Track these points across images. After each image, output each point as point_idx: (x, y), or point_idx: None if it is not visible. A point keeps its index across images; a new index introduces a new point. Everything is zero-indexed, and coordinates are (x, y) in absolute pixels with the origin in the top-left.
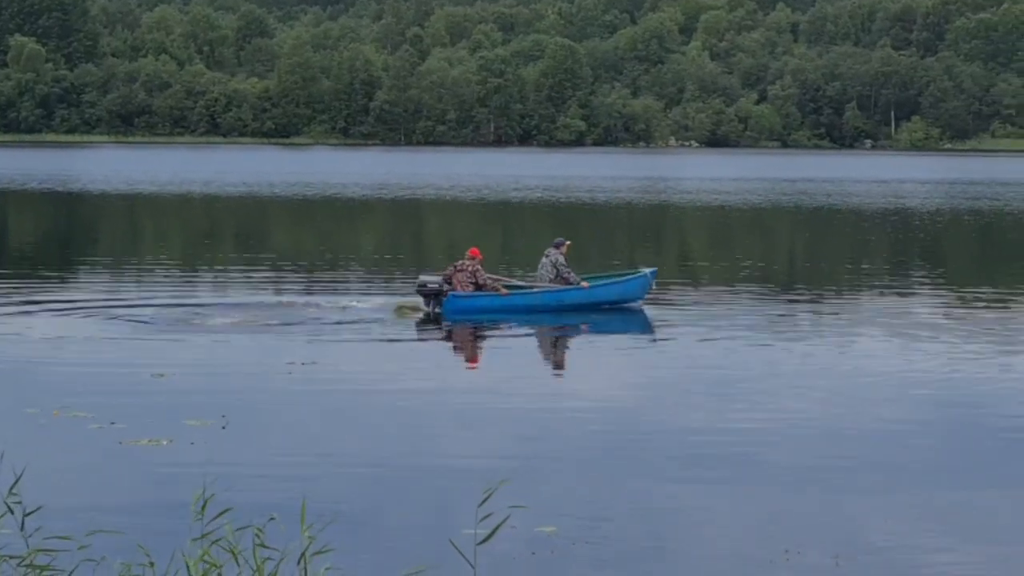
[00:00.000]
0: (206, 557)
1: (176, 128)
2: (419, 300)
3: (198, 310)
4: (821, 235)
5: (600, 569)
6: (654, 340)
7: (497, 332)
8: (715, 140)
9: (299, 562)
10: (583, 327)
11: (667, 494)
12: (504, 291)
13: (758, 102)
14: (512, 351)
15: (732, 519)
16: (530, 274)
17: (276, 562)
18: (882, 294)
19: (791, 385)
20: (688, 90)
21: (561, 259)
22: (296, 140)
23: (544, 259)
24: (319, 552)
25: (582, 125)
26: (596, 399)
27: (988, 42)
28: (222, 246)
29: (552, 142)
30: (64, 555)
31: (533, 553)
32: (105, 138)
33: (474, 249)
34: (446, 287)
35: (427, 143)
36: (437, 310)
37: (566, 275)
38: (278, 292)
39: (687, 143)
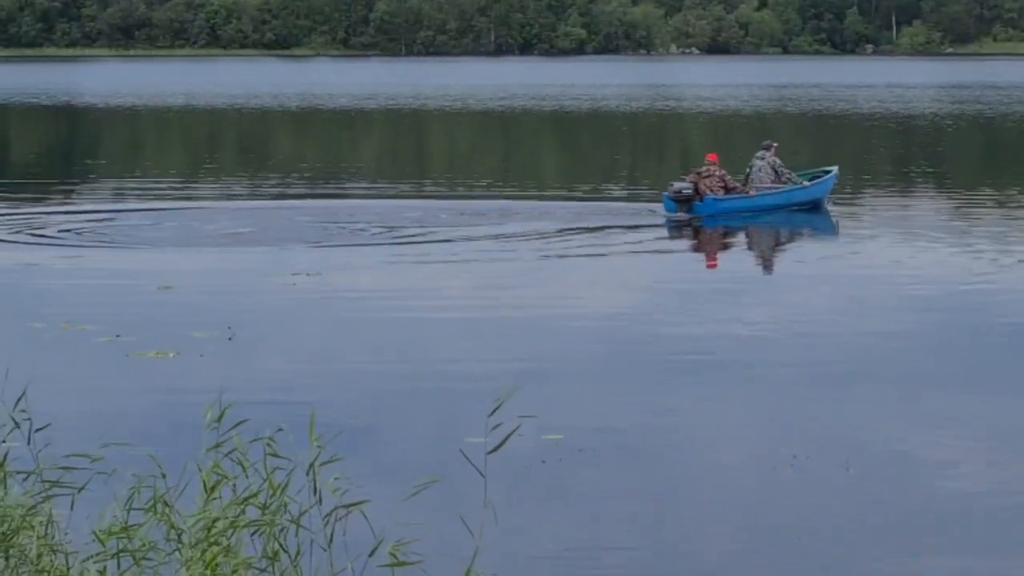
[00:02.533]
0: (217, 468)
1: (177, 40)
2: None
3: (206, 223)
4: (823, 139)
5: (609, 476)
6: (640, 243)
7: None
8: (716, 47)
9: (308, 472)
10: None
11: (675, 401)
12: (752, 193)
13: (759, 8)
14: (542, 262)
15: (741, 425)
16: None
17: (286, 472)
18: (887, 197)
19: (800, 291)
20: None
21: (778, 160)
22: (296, 51)
23: (758, 162)
24: (328, 462)
25: (583, 33)
26: (605, 308)
27: None
28: (227, 156)
29: (552, 51)
30: (75, 469)
31: (543, 462)
32: (106, 51)
33: (713, 155)
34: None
35: (427, 53)
36: (688, 215)
37: (788, 176)
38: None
39: (688, 50)
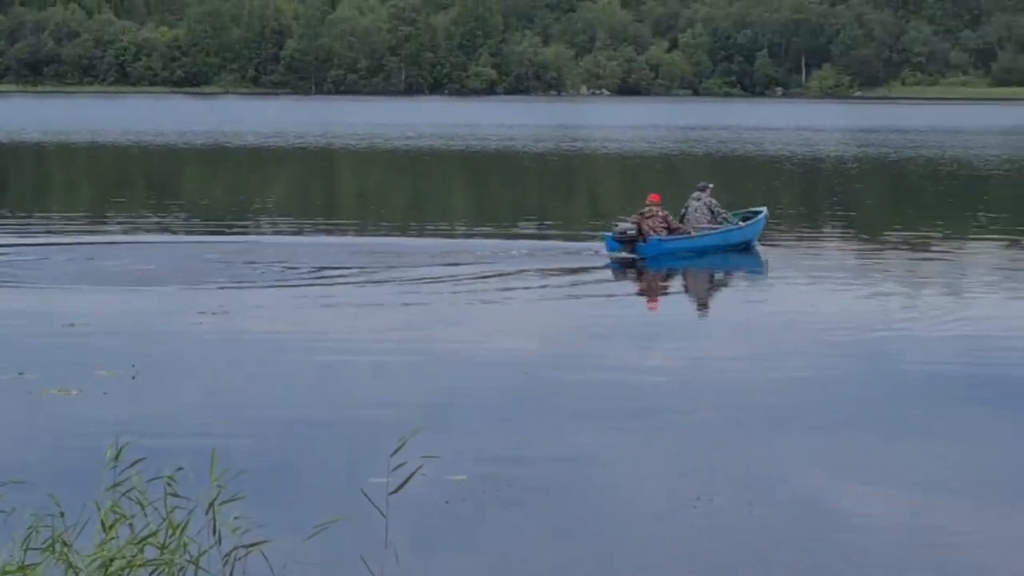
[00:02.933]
0: (115, 508)
1: (85, 77)
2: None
3: (112, 260)
4: (728, 181)
5: (511, 517)
6: (576, 285)
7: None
8: (626, 88)
9: (207, 512)
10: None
11: (580, 442)
12: (693, 233)
13: (669, 50)
14: (452, 302)
15: (645, 467)
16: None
17: (187, 511)
18: (795, 239)
19: (707, 333)
20: (599, 38)
21: (714, 201)
22: (206, 89)
23: (695, 203)
24: (228, 501)
25: (493, 73)
26: (516, 350)
27: None
28: (133, 194)
29: (463, 91)
30: None
31: (446, 502)
32: (13, 87)
33: (655, 195)
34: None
35: (338, 92)
36: (632, 255)
37: (723, 216)
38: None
39: (598, 91)
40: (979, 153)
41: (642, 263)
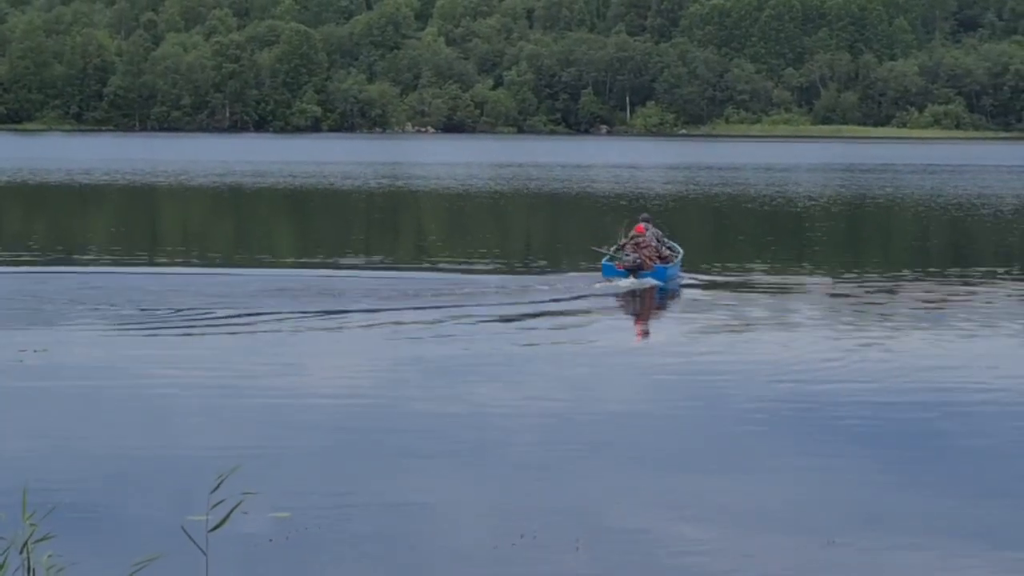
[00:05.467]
0: None
1: None
2: None
3: None
4: (556, 219)
5: (336, 554)
6: (408, 322)
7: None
8: (452, 125)
9: (21, 551)
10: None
11: (405, 479)
12: (675, 260)
13: (494, 87)
14: (267, 336)
15: (470, 504)
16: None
17: (1, 552)
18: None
19: (534, 371)
20: (424, 75)
21: (659, 232)
22: (28, 126)
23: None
24: (42, 540)
25: (318, 111)
26: (345, 387)
27: (722, 28)
28: None
29: (288, 128)
30: None
31: (270, 540)
32: None
33: (640, 226)
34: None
35: (162, 129)
36: (636, 282)
37: (668, 244)
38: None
39: (424, 128)
40: (783, 190)
41: (656, 288)
